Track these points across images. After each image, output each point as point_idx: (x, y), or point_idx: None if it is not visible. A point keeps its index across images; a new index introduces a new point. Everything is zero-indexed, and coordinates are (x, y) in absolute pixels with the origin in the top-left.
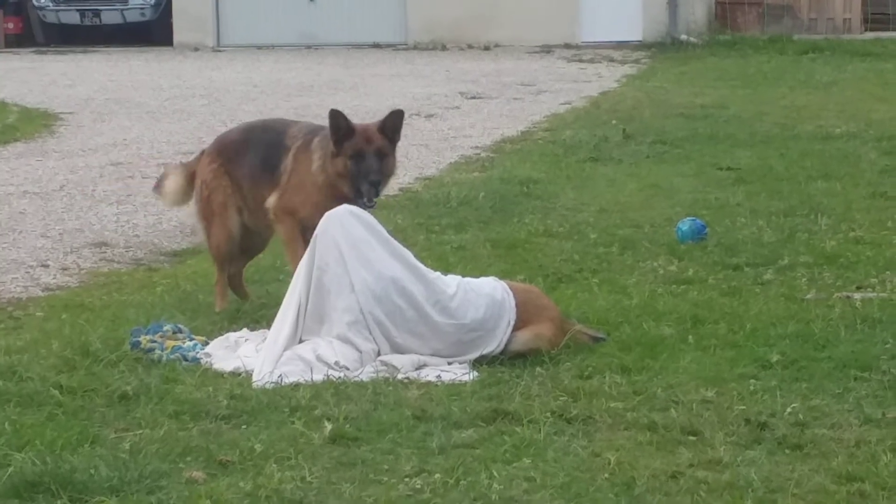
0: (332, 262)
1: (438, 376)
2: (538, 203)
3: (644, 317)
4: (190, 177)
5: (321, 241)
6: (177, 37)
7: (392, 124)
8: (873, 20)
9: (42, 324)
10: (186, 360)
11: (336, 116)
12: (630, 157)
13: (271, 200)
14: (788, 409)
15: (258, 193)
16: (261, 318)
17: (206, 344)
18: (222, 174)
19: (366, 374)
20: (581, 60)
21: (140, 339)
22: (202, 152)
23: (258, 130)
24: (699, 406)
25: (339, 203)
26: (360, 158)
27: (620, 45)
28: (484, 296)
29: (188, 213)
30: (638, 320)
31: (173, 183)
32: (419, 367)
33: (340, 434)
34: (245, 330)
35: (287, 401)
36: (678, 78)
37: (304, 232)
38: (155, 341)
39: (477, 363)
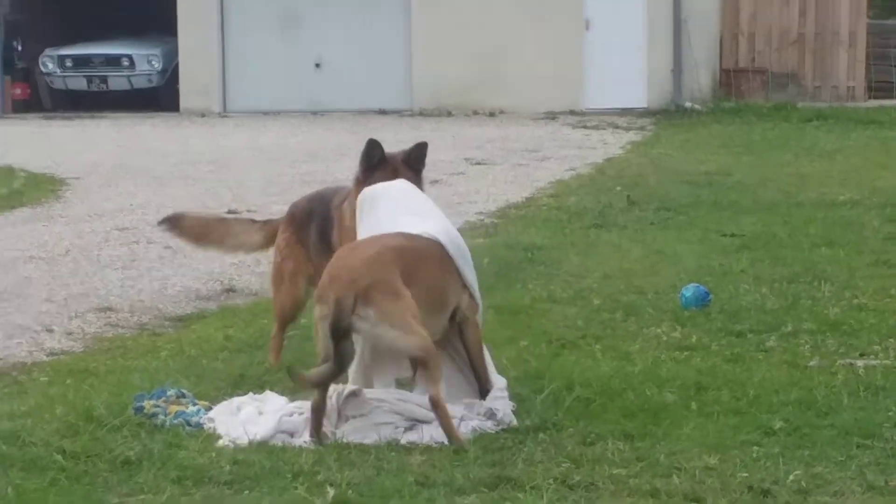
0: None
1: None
2: (542, 269)
3: (647, 383)
4: (271, 235)
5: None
6: (183, 103)
7: (417, 155)
8: (877, 88)
9: (46, 388)
10: (190, 425)
11: (373, 147)
12: (634, 223)
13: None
14: (791, 477)
15: (320, 265)
16: (265, 382)
17: (210, 409)
18: (294, 242)
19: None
20: (586, 127)
21: (143, 403)
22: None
23: (317, 200)
24: (702, 473)
25: None
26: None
27: (625, 111)
28: None
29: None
30: (641, 387)
31: (250, 238)
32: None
33: (343, 500)
34: (250, 395)
35: (290, 466)
36: (683, 145)
37: None
38: (158, 406)
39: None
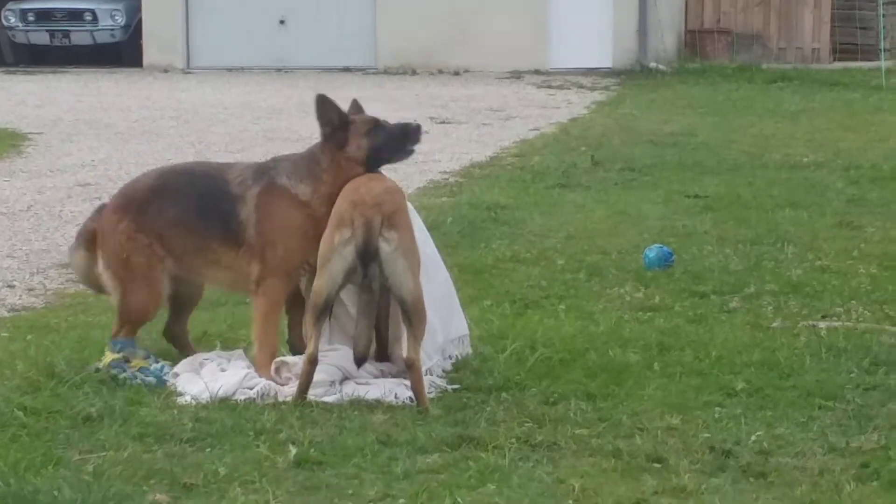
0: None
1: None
2: (506, 229)
3: (610, 343)
4: (90, 243)
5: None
6: (146, 58)
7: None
8: (842, 50)
9: (7, 344)
10: (151, 381)
11: (324, 102)
12: (598, 183)
13: (254, 273)
14: (753, 437)
15: (196, 242)
16: (226, 340)
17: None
18: (134, 231)
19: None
20: (550, 87)
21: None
22: (100, 208)
23: (176, 175)
24: (664, 433)
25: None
26: (379, 132)
27: (590, 71)
28: None
29: (97, 275)
30: (604, 347)
31: (80, 259)
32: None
33: (305, 458)
34: (216, 351)
35: (252, 424)
36: (647, 105)
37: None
38: (122, 364)
39: (441, 389)
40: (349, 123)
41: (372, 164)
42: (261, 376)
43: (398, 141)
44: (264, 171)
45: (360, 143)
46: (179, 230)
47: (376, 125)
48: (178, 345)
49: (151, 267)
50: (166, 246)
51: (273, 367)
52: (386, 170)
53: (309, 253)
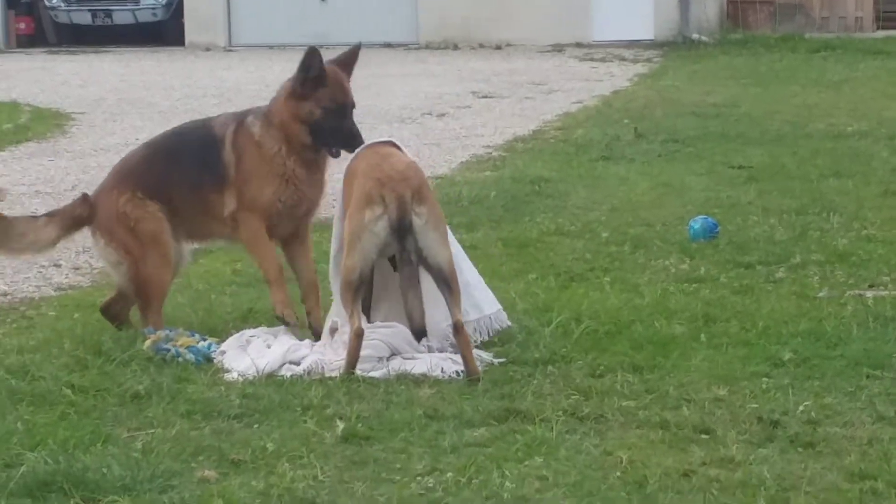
0: None
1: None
2: (550, 202)
3: (656, 315)
4: (69, 227)
5: None
6: (188, 37)
7: (352, 64)
8: (885, 18)
9: (54, 323)
10: (198, 359)
11: (313, 54)
12: (642, 155)
13: (229, 206)
14: (801, 408)
15: (203, 198)
16: (273, 317)
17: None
18: (139, 199)
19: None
20: (593, 59)
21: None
22: (84, 197)
23: (164, 138)
24: (711, 404)
25: (303, 167)
26: (338, 114)
27: (632, 43)
28: None
29: (102, 256)
30: (650, 319)
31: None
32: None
33: (352, 433)
34: (262, 328)
35: (299, 400)
36: (690, 77)
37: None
38: (169, 341)
39: (487, 363)
40: (322, 85)
41: (313, 133)
42: (283, 316)
43: (338, 137)
44: (242, 114)
45: (314, 109)
46: (182, 188)
47: (340, 110)
48: (116, 321)
49: (161, 230)
50: (172, 210)
51: (328, 328)
52: (431, 144)
53: (275, 191)
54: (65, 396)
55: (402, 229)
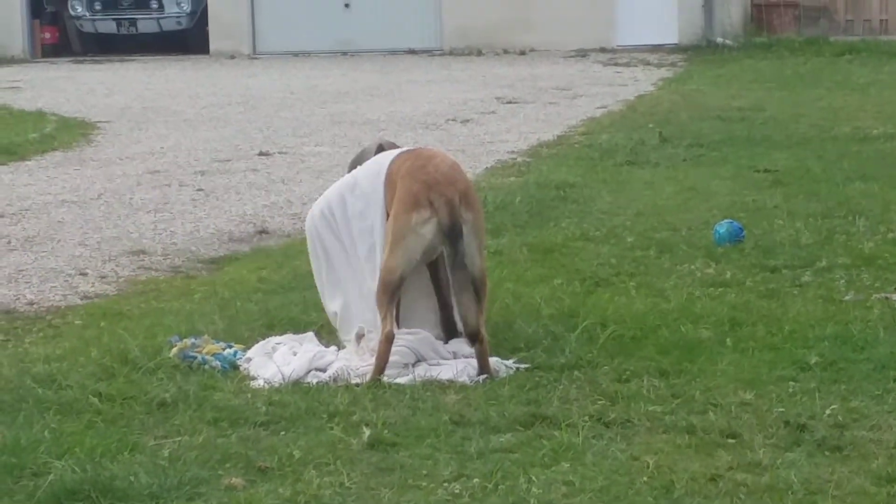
0: None
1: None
2: (575, 207)
3: (682, 320)
4: None
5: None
6: (213, 45)
7: None
8: None
9: (81, 332)
10: (225, 366)
11: None
12: (667, 160)
13: None
14: (828, 411)
15: None
16: (298, 324)
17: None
18: None
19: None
20: (617, 64)
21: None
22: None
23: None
24: (738, 409)
25: None
26: None
27: (656, 48)
28: None
29: None
30: (675, 323)
31: None
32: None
33: (379, 439)
34: (288, 335)
35: (325, 406)
36: (714, 81)
37: None
38: (195, 349)
39: (514, 368)
40: None
41: None
42: None
43: None
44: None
45: None
46: None
47: None
48: None
49: None
50: None
51: (355, 333)
52: (455, 150)
53: None
54: (92, 405)
55: (453, 234)
